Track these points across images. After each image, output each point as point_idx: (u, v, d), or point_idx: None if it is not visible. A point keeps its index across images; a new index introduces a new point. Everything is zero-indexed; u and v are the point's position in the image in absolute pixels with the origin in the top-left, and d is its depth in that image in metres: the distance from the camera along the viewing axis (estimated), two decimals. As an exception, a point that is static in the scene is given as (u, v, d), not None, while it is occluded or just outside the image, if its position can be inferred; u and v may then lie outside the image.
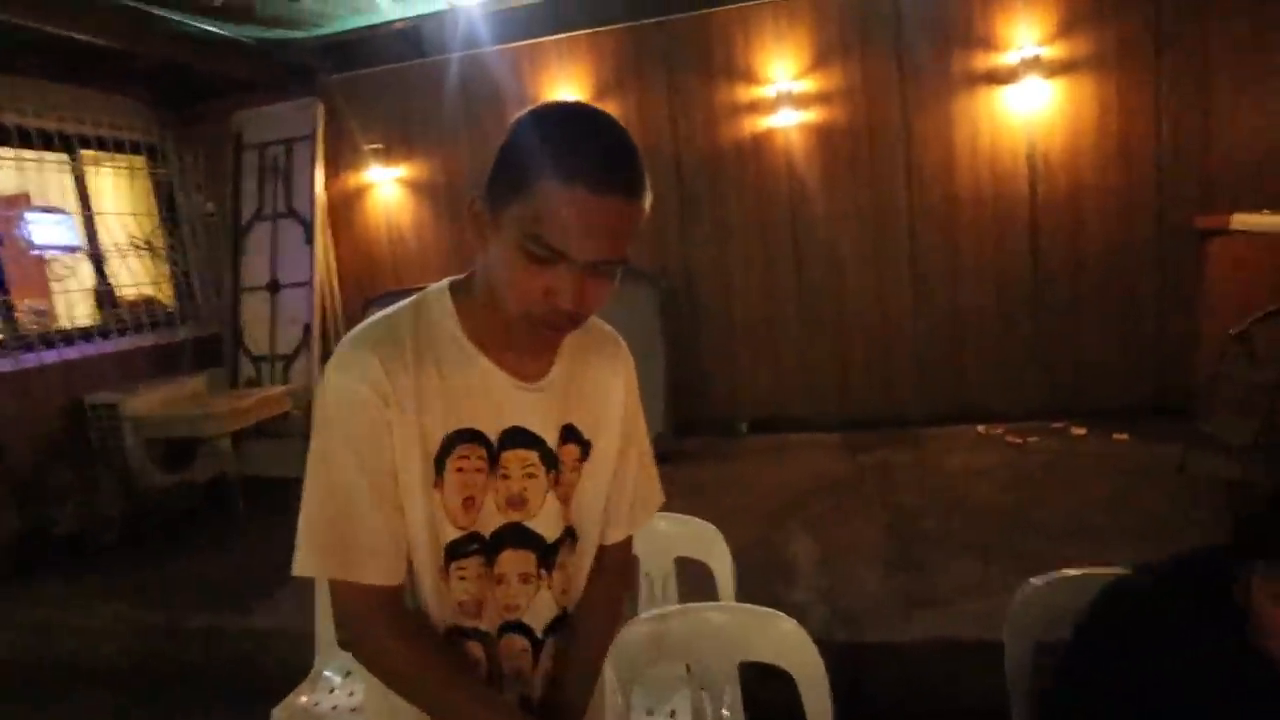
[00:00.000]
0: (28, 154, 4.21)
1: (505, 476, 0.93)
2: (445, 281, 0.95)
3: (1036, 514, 3.03)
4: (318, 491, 0.86)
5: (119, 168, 4.81)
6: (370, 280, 4.99)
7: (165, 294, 5.06)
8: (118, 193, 4.80)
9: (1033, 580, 1.35)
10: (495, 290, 0.85)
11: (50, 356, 4.20)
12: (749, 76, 4.26)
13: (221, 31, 4.04)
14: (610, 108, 4.49)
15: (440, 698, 0.88)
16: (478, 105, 4.63)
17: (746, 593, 1.60)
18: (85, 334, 4.47)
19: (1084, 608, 1.11)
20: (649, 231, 4.49)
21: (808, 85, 4.19)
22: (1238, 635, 0.97)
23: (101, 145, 4.59)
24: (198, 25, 3.90)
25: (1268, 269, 3.00)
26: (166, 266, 5.06)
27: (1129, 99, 3.83)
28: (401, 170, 4.85)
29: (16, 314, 4.23)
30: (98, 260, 4.64)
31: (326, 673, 1.95)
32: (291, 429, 4.44)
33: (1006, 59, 3.91)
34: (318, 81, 4.78)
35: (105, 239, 4.66)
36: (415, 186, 4.87)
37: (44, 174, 4.33)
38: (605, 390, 1.02)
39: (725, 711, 1.44)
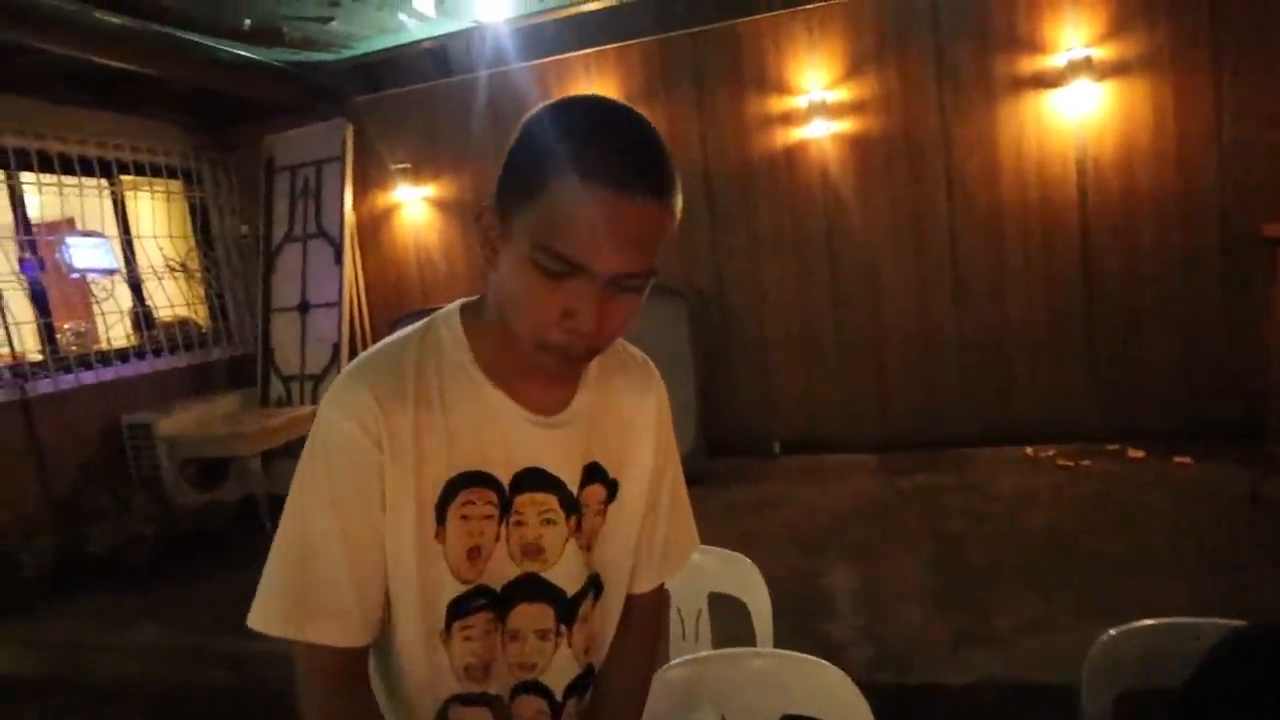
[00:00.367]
0: (69, 180, 4.30)
1: (520, 523, 0.82)
2: (456, 304, 0.84)
3: (1093, 543, 2.83)
4: (287, 535, 0.77)
5: (156, 192, 4.89)
6: (398, 300, 4.97)
7: (200, 315, 5.13)
8: (155, 216, 4.87)
9: (1113, 631, 1.20)
10: (506, 312, 0.75)
11: (89, 377, 4.26)
12: (780, 87, 4.15)
13: (252, 55, 4.07)
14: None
15: None
16: (505, 123, 4.60)
17: (781, 627, 1.48)
18: (122, 355, 4.53)
19: (1188, 663, 0.97)
20: (678, 245, 4.39)
21: (841, 94, 4.06)
22: None
23: (139, 170, 4.69)
24: (229, 50, 3.93)
25: (1346, 279, 2.79)
26: (201, 288, 5.13)
27: (1187, 101, 3.62)
28: (429, 189, 4.83)
29: (58, 336, 4.30)
30: (135, 282, 4.71)
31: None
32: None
33: (1054, 61, 3.73)
34: (346, 103, 4.80)
35: (143, 261, 4.73)
36: (443, 205, 4.85)
37: (85, 199, 4.41)
38: (634, 424, 0.91)
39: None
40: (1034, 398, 4.01)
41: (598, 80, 4.43)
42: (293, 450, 4.46)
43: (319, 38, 3.98)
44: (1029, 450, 3.89)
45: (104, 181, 4.54)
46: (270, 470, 4.41)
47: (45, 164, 4.16)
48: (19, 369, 3.94)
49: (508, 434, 0.81)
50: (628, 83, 4.39)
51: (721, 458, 4.26)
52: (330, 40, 4.05)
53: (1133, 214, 3.76)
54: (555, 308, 0.70)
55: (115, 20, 3.39)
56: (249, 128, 5.01)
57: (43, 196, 4.31)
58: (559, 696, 0.88)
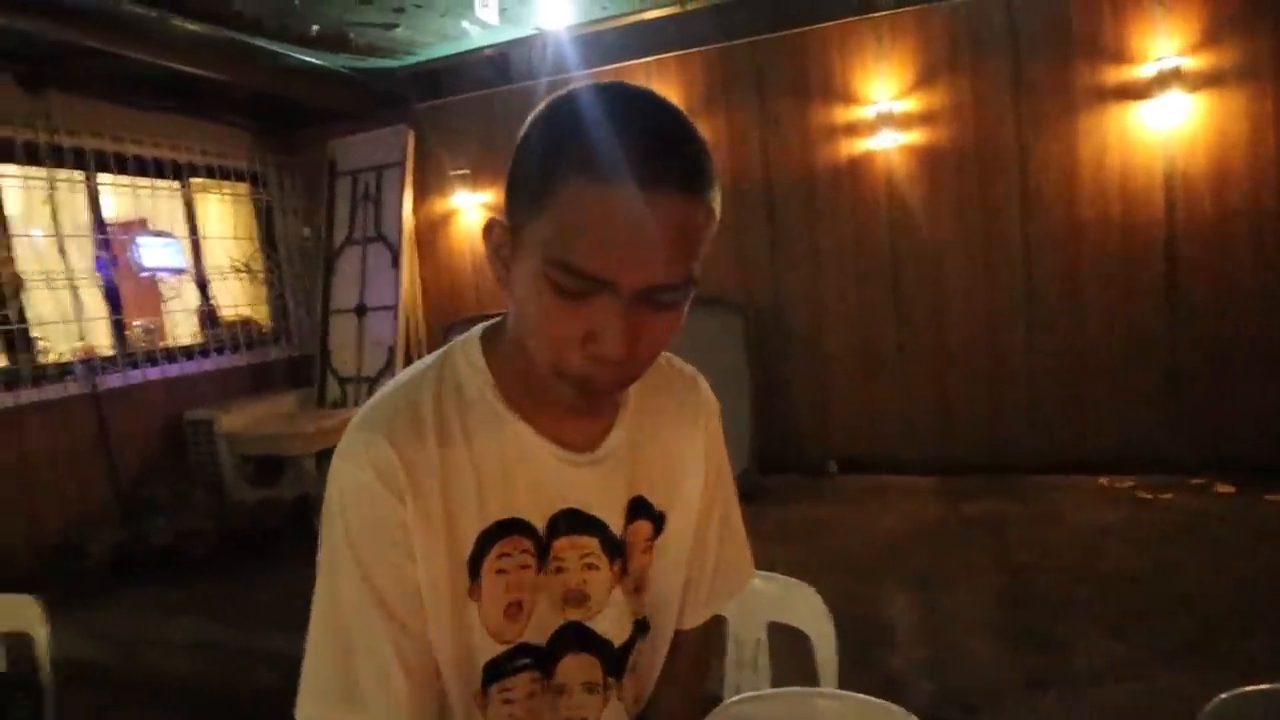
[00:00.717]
0: (143, 182, 4.44)
1: (560, 569, 0.74)
2: (476, 329, 0.75)
3: (1177, 585, 2.64)
4: (321, 617, 0.68)
5: (224, 194, 5.03)
6: (453, 305, 5.00)
7: (262, 315, 5.24)
8: (222, 218, 5.00)
9: (1223, 695, 1.08)
10: (523, 337, 0.67)
11: (155, 373, 4.38)
12: (846, 96, 4.04)
13: (318, 61, 4.14)
14: (700, 130, 4.36)
15: None
16: (564, 130, 4.58)
17: (838, 657, 1.39)
18: (187, 352, 4.65)
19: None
20: (735, 256, 4.31)
21: (911, 104, 3.93)
22: None
23: (209, 173, 4.81)
24: (297, 56, 4.00)
25: None
26: (264, 289, 5.24)
27: (1287, 113, 3.40)
28: (487, 196, 4.85)
29: (127, 332, 4.43)
30: (202, 282, 4.83)
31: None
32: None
33: (1141, 72, 3.54)
34: (408, 109, 4.85)
35: (209, 262, 4.85)
36: (499, 212, 4.84)
37: (157, 200, 4.54)
38: (682, 451, 0.82)
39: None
40: (1110, 425, 3.80)
41: (658, 88, 4.35)
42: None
43: (384, 44, 4.03)
44: (1104, 480, 3.69)
45: (175, 183, 4.67)
46: (325, 470, 4.46)
47: (121, 166, 4.30)
48: (91, 363, 4.06)
49: (540, 475, 0.72)
50: (689, 91, 4.33)
51: (774, 475, 4.15)
52: (394, 46, 4.10)
53: (1225, 235, 3.53)
54: (576, 332, 0.60)
55: (191, 27, 3.48)
56: (313, 132, 5.11)
57: (118, 197, 4.46)
58: None
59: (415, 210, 4.94)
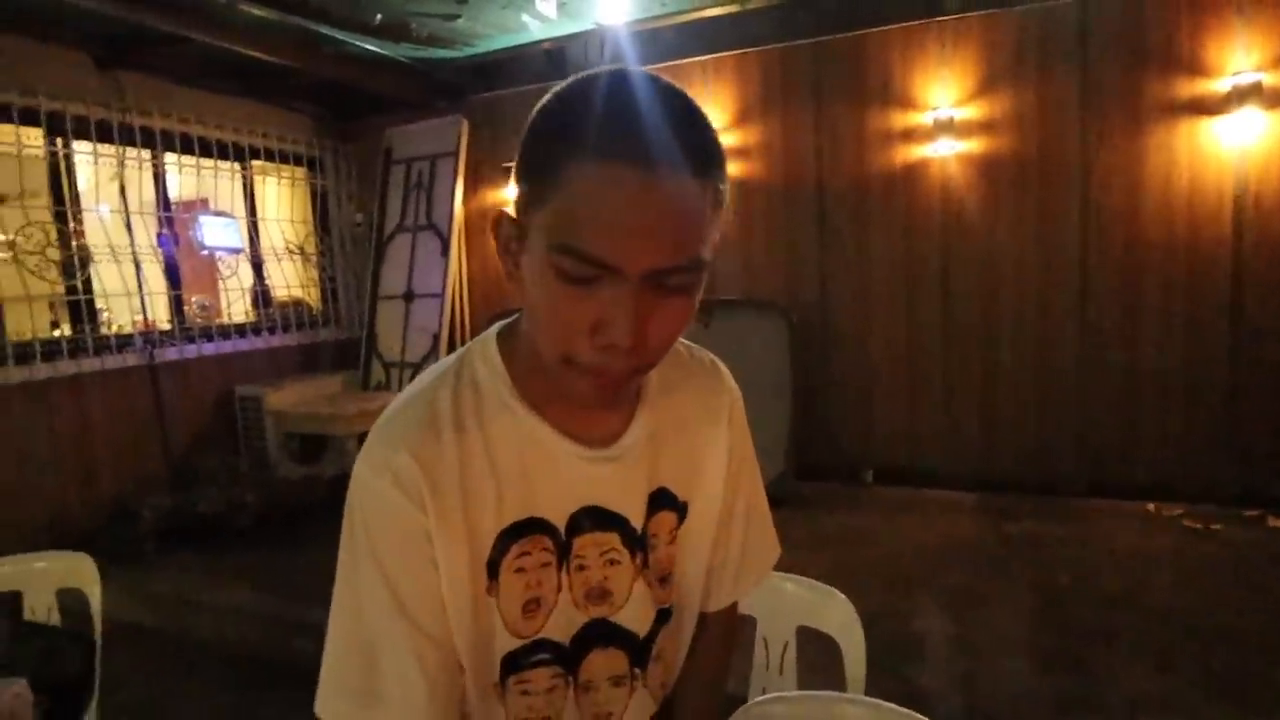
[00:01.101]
0: (206, 162, 4.58)
1: (581, 567, 0.74)
2: (493, 328, 0.76)
3: (1225, 619, 2.55)
4: (341, 621, 0.70)
5: (283, 177, 5.15)
6: (498, 295, 5.05)
7: (312, 297, 5.37)
8: (279, 200, 5.12)
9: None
10: (532, 330, 0.67)
11: (209, 348, 4.52)
12: (905, 102, 3.97)
13: (380, 50, 4.22)
14: (754, 131, 4.39)
15: None
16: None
17: (866, 667, 1.37)
18: (240, 330, 4.78)
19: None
20: (783, 260, 4.28)
21: (971, 112, 3.84)
22: None
23: (269, 156, 4.94)
24: (359, 44, 4.09)
25: None
26: (316, 271, 5.36)
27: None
28: (538, 188, 4.88)
29: (185, 308, 4.58)
30: (257, 262, 4.97)
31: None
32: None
33: (1217, 86, 3.40)
34: (464, 100, 4.91)
35: (265, 243, 4.98)
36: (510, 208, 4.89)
37: (219, 181, 4.68)
38: (704, 439, 0.81)
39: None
40: (1162, 450, 3.67)
41: (714, 86, 4.36)
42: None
43: (444, 35, 4.09)
44: (1151, 507, 3.57)
45: (236, 165, 4.81)
46: (365, 451, 4.56)
47: (186, 146, 4.44)
48: (150, 336, 4.21)
49: (559, 472, 0.72)
50: (745, 91, 4.30)
51: (810, 482, 4.11)
52: (454, 38, 4.15)
53: (1298, 259, 3.39)
54: (584, 319, 0.59)
55: (259, 13, 3.57)
56: (370, 120, 5.20)
57: (181, 176, 4.60)
58: None
59: (466, 200, 5.00)
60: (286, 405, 4.48)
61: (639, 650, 0.79)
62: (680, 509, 0.80)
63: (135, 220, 4.15)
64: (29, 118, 3.65)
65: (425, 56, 4.44)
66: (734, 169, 4.35)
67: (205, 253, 4.72)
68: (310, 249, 5.31)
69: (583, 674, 0.77)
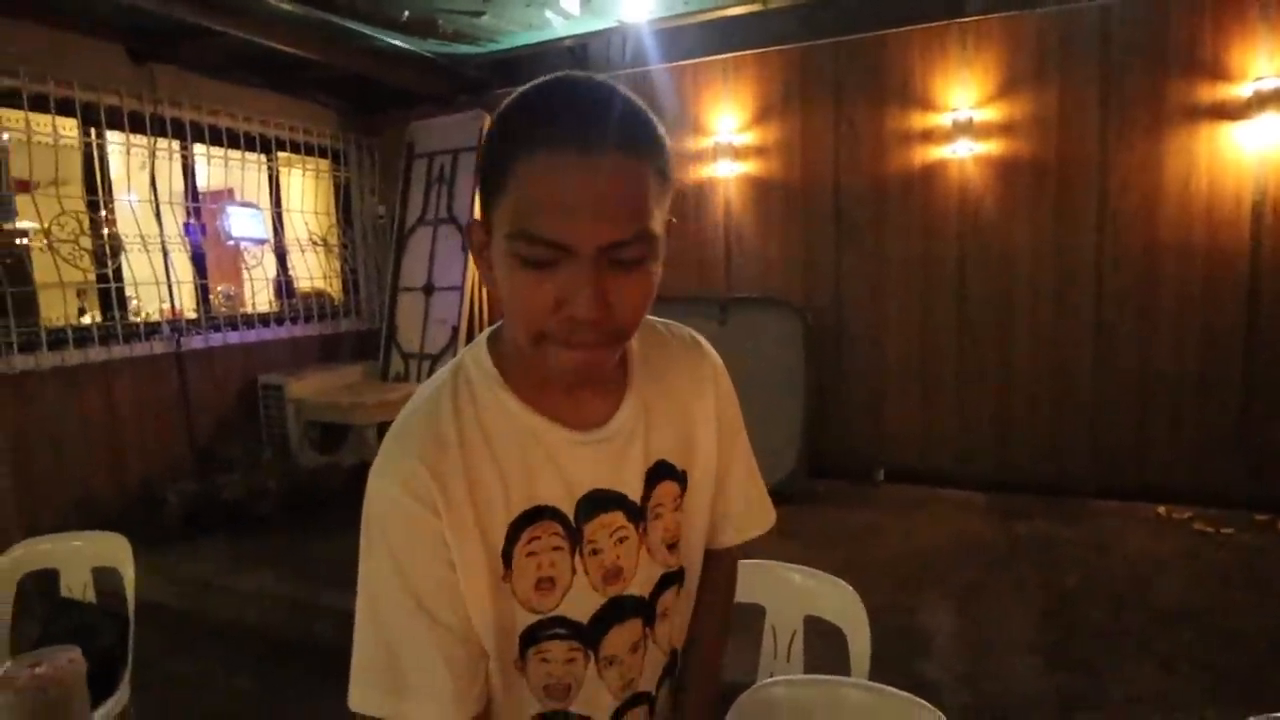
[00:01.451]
0: (234, 154, 4.66)
1: (595, 551, 0.79)
2: (483, 334, 0.81)
3: (1231, 621, 2.57)
4: (367, 623, 0.75)
5: (307, 169, 5.23)
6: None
7: (334, 288, 5.45)
8: (304, 192, 5.20)
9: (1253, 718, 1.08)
10: (509, 322, 0.72)
11: (234, 337, 4.61)
12: (924, 103, 3.98)
13: (406, 46, 4.28)
14: (773, 130, 4.41)
15: None
16: (636, 123, 4.62)
17: (873, 660, 1.42)
18: (264, 319, 4.87)
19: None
20: (800, 258, 4.31)
21: (990, 114, 3.85)
22: None
23: (294, 148, 5.02)
24: (385, 39, 4.15)
25: None
26: (338, 263, 5.44)
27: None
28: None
29: (211, 297, 4.67)
30: (281, 253, 5.05)
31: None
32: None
33: (1238, 91, 3.39)
34: (486, 95, 4.96)
35: (289, 234, 5.07)
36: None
37: (245, 172, 4.76)
38: (692, 410, 0.86)
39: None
40: (1174, 454, 3.68)
41: (735, 85, 4.39)
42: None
43: (469, 31, 4.14)
44: (1162, 510, 3.58)
45: (263, 157, 4.89)
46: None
47: (214, 137, 4.52)
48: (176, 324, 4.30)
49: (558, 460, 0.77)
50: (766, 89, 4.33)
51: (821, 479, 4.15)
52: (479, 34, 4.20)
53: (1317, 267, 3.38)
54: (548, 298, 0.64)
55: (288, 7, 3.64)
56: (394, 114, 5.26)
57: (209, 167, 4.69)
58: (653, 692, 0.88)
59: (486, 195, 5.05)
60: (307, 394, 4.55)
61: (649, 612, 0.85)
62: (681, 478, 0.85)
63: (164, 210, 4.24)
64: (65, 108, 3.74)
65: (448, 52, 4.49)
66: (753, 167, 4.38)
67: (231, 243, 4.80)
68: (333, 240, 5.40)
69: (605, 649, 0.81)
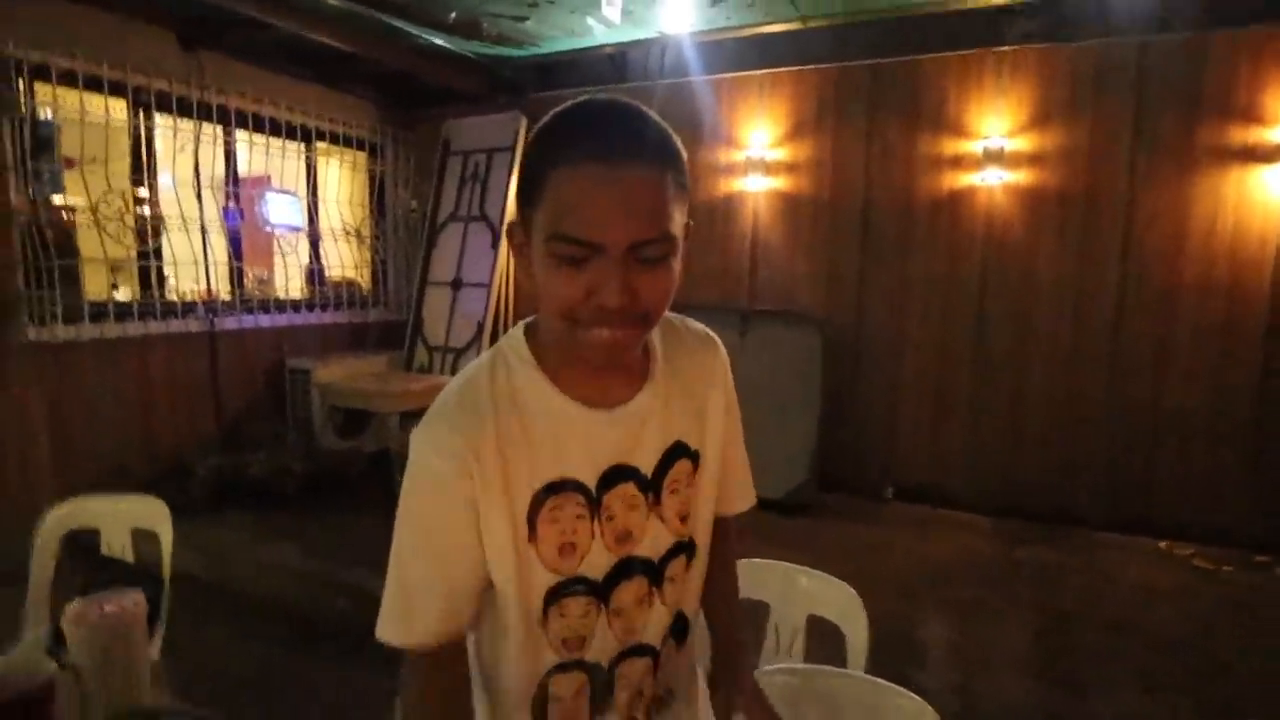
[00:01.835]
0: (274, 142, 4.78)
1: (610, 517, 0.89)
2: (522, 323, 0.92)
3: (1224, 656, 2.62)
4: (394, 567, 0.86)
5: (344, 161, 5.34)
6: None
7: (364, 278, 5.55)
8: (339, 183, 5.32)
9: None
10: (545, 313, 0.82)
11: (265, 320, 4.72)
12: (956, 129, 4.03)
13: (450, 46, 4.38)
14: (805, 147, 4.48)
15: None
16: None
17: (870, 667, 1.48)
18: (295, 305, 4.98)
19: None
20: (824, 274, 4.37)
21: (1021, 143, 3.89)
22: None
23: (333, 139, 5.13)
24: (430, 39, 4.25)
25: None
26: (369, 253, 5.55)
27: None
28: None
29: (245, 280, 4.79)
30: (314, 241, 5.17)
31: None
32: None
33: (1271, 135, 3.42)
34: (524, 97, 5.05)
35: (323, 223, 5.18)
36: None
37: (285, 160, 4.88)
38: (706, 397, 0.97)
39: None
40: (1181, 490, 3.70)
41: (770, 100, 4.46)
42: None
43: (513, 34, 4.24)
44: (1163, 544, 3.61)
45: (301, 146, 5.01)
46: (406, 429, 4.72)
47: (256, 125, 4.63)
48: (211, 304, 4.42)
49: (585, 437, 0.86)
50: (800, 106, 4.39)
51: (831, 493, 4.20)
52: (522, 38, 4.30)
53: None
54: (580, 291, 0.74)
55: (336, 3, 3.75)
56: (431, 111, 5.36)
57: (249, 154, 4.81)
58: (658, 647, 0.97)
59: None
60: (333, 380, 4.65)
61: (656, 574, 0.94)
62: (694, 456, 0.95)
63: (205, 193, 4.35)
64: (116, 90, 3.87)
65: (491, 53, 4.59)
66: (783, 182, 4.45)
67: (267, 228, 4.92)
68: (365, 231, 5.50)
69: (614, 602, 0.91)
